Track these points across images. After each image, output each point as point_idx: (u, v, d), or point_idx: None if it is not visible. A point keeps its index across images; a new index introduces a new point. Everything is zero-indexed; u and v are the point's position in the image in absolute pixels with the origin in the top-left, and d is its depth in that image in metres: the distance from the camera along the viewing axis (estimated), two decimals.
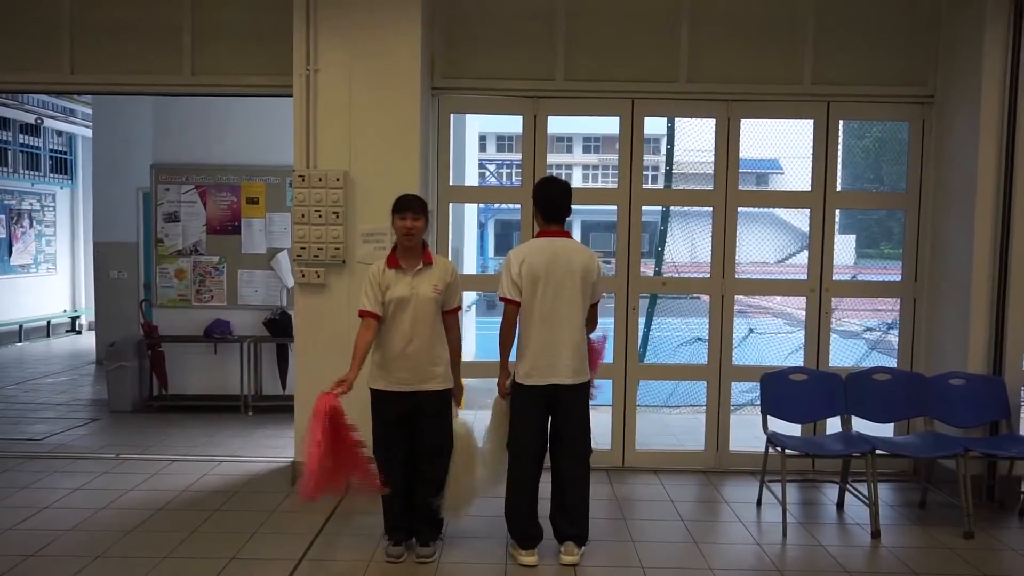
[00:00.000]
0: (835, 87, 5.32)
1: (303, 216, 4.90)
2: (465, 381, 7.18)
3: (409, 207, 3.84)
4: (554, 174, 4.95)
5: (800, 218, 7.60)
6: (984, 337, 4.91)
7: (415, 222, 3.82)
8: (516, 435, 3.94)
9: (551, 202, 3.97)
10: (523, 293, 3.84)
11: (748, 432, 5.63)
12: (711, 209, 5.48)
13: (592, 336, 4.15)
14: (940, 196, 5.28)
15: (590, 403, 4.04)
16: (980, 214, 4.88)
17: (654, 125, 5.57)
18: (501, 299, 3.91)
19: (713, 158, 5.44)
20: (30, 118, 10.97)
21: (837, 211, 5.53)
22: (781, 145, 7.08)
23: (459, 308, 4.09)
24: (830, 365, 5.45)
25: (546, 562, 3.88)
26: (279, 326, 7.18)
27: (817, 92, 5.32)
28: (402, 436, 3.87)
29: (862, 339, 8.35)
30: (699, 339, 6.95)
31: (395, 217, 3.86)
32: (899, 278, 5.54)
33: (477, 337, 10.25)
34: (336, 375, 4.78)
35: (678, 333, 7.73)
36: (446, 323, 3.96)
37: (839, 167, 5.47)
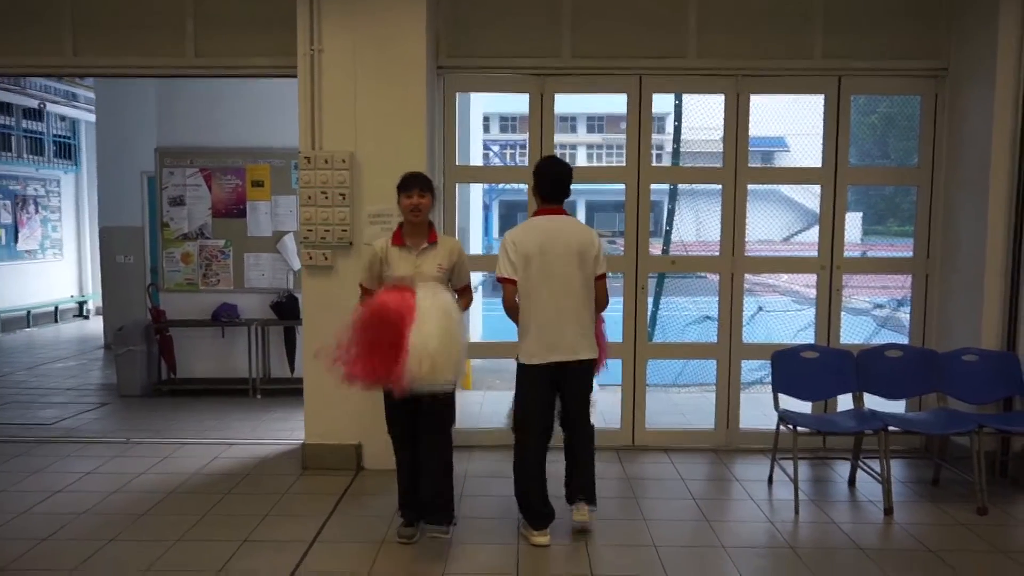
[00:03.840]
0: (846, 61, 5.24)
1: (309, 198, 4.86)
2: (473, 362, 7.24)
3: (415, 184, 3.81)
4: (558, 154, 4.92)
5: (806, 195, 7.53)
6: (997, 312, 4.86)
7: (421, 199, 3.79)
8: (522, 415, 3.94)
9: (552, 182, 3.95)
10: (520, 272, 3.82)
11: (758, 410, 5.61)
12: (720, 187, 5.42)
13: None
14: (953, 170, 5.21)
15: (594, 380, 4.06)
16: (994, 187, 4.82)
17: (660, 103, 5.50)
18: (499, 279, 3.89)
19: (721, 135, 5.38)
20: (33, 103, 10.93)
21: (848, 187, 5.46)
22: (787, 122, 7.00)
23: (469, 285, 4.06)
24: (841, 342, 5.42)
25: (556, 541, 3.88)
26: (286, 309, 7.18)
27: (828, 66, 5.25)
28: (408, 415, 3.84)
29: (871, 316, 8.30)
30: (708, 318, 6.93)
31: (401, 195, 3.83)
32: (910, 254, 5.49)
33: (484, 318, 10.24)
34: None
35: (686, 312, 7.70)
36: (461, 300, 3.95)
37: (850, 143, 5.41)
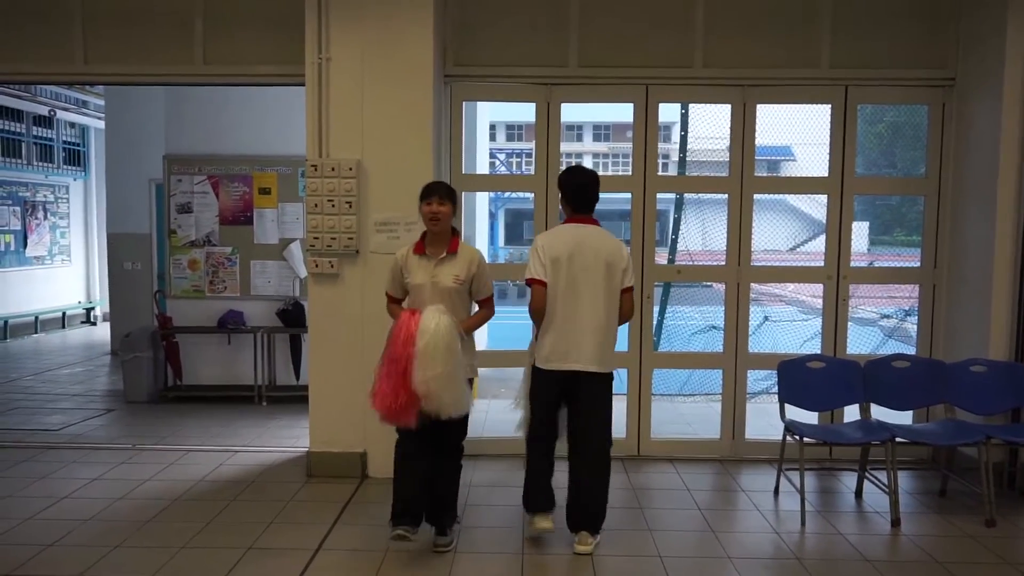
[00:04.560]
0: (853, 71, 5.25)
1: (316, 206, 4.87)
2: (479, 371, 7.22)
3: (435, 192, 3.81)
4: (564, 163, 4.94)
5: (812, 205, 7.52)
6: (1006, 323, 4.84)
7: (440, 207, 3.78)
8: (533, 419, 3.94)
9: (579, 192, 3.95)
10: (548, 276, 3.81)
11: (764, 420, 5.59)
12: (726, 196, 5.42)
13: None
14: (960, 181, 5.20)
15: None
16: (1002, 198, 4.81)
17: (666, 112, 5.51)
18: (528, 282, 3.87)
19: (728, 144, 5.39)
20: (43, 110, 11.01)
21: (855, 197, 5.45)
22: (794, 132, 7.00)
23: (491, 298, 4.01)
24: (847, 353, 5.40)
25: (562, 551, 3.87)
26: (292, 316, 7.19)
27: (835, 76, 5.25)
28: (421, 433, 3.80)
29: (878, 326, 8.27)
30: (713, 327, 6.91)
31: (422, 203, 3.83)
32: (917, 264, 5.48)
33: (490, 326, 10.22)
34: (350, 365, 4.83)
35: (692, 321, 7.68)
36: (481, 312, 3.97)
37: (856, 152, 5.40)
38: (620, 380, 5.33)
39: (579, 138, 36.91)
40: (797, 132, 6.92)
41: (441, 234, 3.83)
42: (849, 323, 5.45)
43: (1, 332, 10.60)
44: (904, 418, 5.13)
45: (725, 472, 5.19)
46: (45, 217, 11.54)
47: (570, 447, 3.94)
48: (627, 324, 5.29)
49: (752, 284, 5.47)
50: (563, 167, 4.67)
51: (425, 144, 4.85)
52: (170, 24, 5.25)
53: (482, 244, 10.35)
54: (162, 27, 5.26)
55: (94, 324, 12.32)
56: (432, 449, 3.88)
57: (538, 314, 3.86)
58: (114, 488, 4.71)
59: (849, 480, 4.96)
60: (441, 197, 3.79)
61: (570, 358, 3.80)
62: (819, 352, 5.33)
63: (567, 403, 3.92)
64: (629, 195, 5.39)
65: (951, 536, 4.16)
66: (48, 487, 4.72)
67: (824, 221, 5.47)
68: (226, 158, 7.27)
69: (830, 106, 5.33)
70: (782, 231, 8.55)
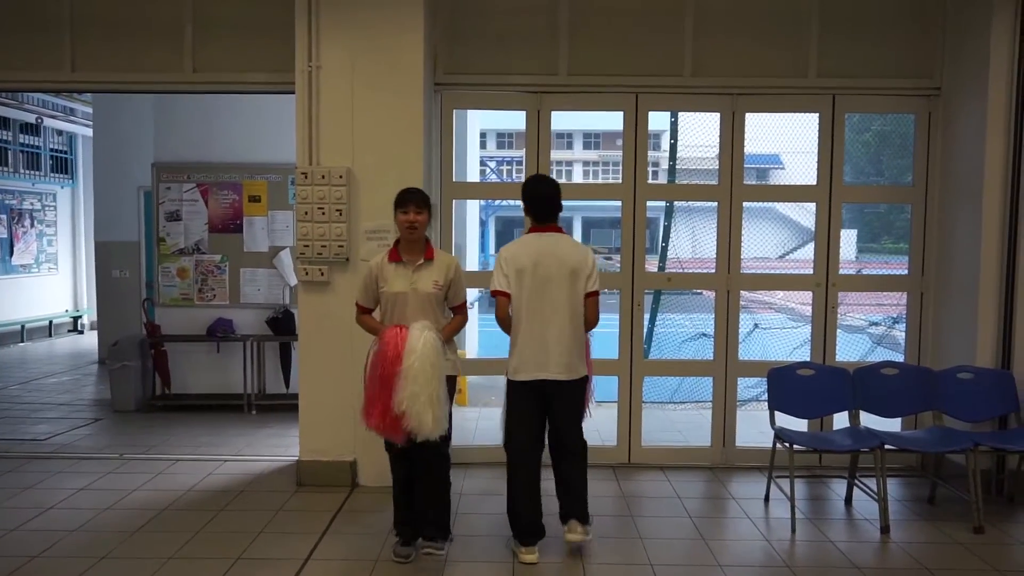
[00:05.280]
0: (840, 80, 5.29)
1: (306, 214, 4.86)
2: (469, 379, 7.22)
3: (411, 200, 3.82)
4: (555, 171, 4.95)
5: (801, 213, 7.56)
6: (993, 330, 4.88)
7: (417, 216, 3.80)
8: (511, 432, 3.93)
9: (541, 201, 3.97)
10: (512, 288, 3.83)
11: (754, 428, 5.60)
12: (715, 204, 5.45)
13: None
14: (947, 189, 5.25)
15: (589, 399, 4.03)
16: (987, 206, 4.85)
17: (656, 120, 5.54)
18: (493, 293, 3.89)
19: (717, 152, 5.42)
20: (30, 117, 10.95)
21: (843, 205, 5.48)
22: (782, 140, 7.04)
23: (465, 304, 4.04)
24: (836, 360, 5.43)
25: (551, 560, 3.86)
26: (282, 324, 7.16)
27: (822, 85, 5.29)
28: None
29: (866, 334, 8.32)
30: (703, 335, 6.93)
31: (397, 211, 3.84)
32: (904, 272, 5.51)
33: (480, 335, 10.23)
34: (340, 373, 4.81)
35: (682, 329, 7.70)
36: (456, 319, 3.96)
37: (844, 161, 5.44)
38: (611, 388, 5.38)
39: (569, 146, 37.00)
40: (786, 140, 6.96)
41: (416, 242, 3.84)
42: (838, 330, 5.48)
43: None
44: (893, 425, 5.15)
45: (716, 480, 5.20)
46: (32, 225, 11.47)
47: (551, 449, 3.97)
48: (617, 331, 5.37)
49: (742, 292, 5.49)
50: (553, 175, 4.69)
51: (416, 152, 4.85)
52: (159, 31, 5.23)
53: (473, 251, 10.36)
54: (151, 34, 5.24)
55: (81, 333, 12.24)
56: (415, 462, 3.85)
57: (503, 324, 3.90)
58: (101, 498, 4.67)
59: (839, 487, 4.98)
60: (418, 205, 3.81)
61: (539, 369, 3.81)
62: (808, 359, 5.35)
63: (544, 411, 3.91)
64: (619, 203, 5.42)
65: (940, 543, 4.18)
66: (34, 497, 4.68)
67: (813, 229, 5.50)
68: (215, 166, 7.25)
69: (818, 115, 5.37)
70: (771, 239, 8.59)
